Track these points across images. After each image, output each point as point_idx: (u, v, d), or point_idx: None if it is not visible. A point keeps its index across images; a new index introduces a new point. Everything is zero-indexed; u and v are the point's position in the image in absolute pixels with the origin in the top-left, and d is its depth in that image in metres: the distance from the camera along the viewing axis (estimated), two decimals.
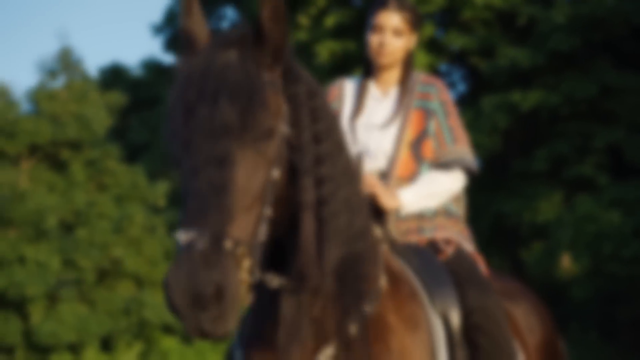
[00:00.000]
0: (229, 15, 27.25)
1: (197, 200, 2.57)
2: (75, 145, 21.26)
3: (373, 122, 3.79)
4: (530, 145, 19.87)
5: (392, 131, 3.76)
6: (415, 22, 3.84)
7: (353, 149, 3.60)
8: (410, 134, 3.76)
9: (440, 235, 3.71)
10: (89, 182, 21.40)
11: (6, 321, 19.07)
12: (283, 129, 2.77)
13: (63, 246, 19.58)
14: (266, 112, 2.69)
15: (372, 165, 3.72)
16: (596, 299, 19.70)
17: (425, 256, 3.52)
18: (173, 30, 26.77)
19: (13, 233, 19.88)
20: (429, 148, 3.77)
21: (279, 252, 2.86)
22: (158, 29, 27.52)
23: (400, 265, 3.38)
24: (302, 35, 20.56)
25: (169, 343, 20.33)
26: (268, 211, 2.70)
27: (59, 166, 21.45)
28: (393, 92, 3.86)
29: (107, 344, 20.03)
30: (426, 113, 3.79)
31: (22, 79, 65.10)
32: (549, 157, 18.99)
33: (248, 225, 2.63)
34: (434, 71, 20.17)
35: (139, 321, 19.64)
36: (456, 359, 3.30)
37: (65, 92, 21.54)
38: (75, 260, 19.45)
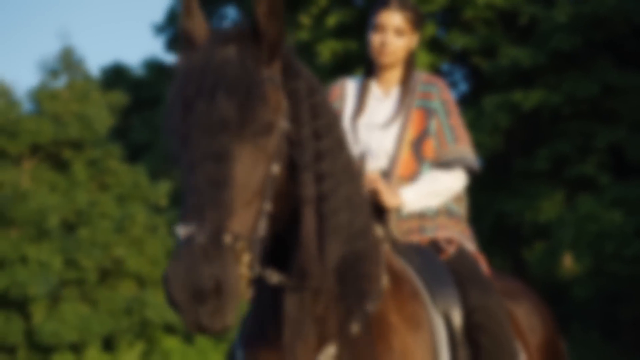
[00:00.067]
0: (231, 15, 27.24)
1: (196, 195, 2.57)
2: (77, 145, 21.27)
3: (374, 122, 3.79)
4: (532, 145, 19.87)
5: (394, 131, 3.76)
6: (417, 21, 3.84)
7: (354, 148, 3.60)
8: (411, 133, 3.76)
9: (441, 234, 3.71)
10: (90, 181, 21.40)
11: (8, 321, 19.08)
12: (283, 124, 2.77)
13: (65, 246, 19.59)
14: (265, 107, 2.70)
15: (374, 164, 3.72)
16: (598, 299, 19.70)
17: (427, 256, 3.52)
18: (175, 30, 26.76)
19: (15, 233, 19.89)
20: (430, 147, 3.77)
21: (280, 249, 2.87)
22: (160, 29, 27.52)
23: (401, 264, 3.38)
24: (303, 35, 20.56)
25: (171, 343, 20.34)
26: (268, 206, 2.70)
27: (60, 166, 21.46)
28: (395, 91, 3.86)
29: (109, 344, 20.03)
30: (427, 112, 3.79)
31: (24, 79, 65.17)
32: (551, 157, 18.98)
33: (248, 220, 2.63)
34: (436, 71, 20.16)
35: (140, 321, 19.64)
36: (458, 358, 3.30)
37: (67, 92, 21.55)
38: (77, 260, 19.46)
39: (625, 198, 17.45)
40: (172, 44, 27.37)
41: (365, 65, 3.95)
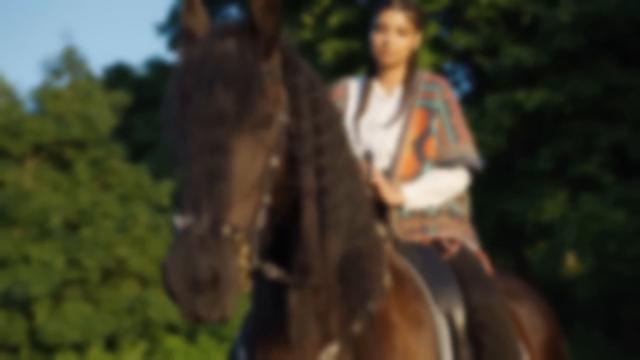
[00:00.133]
0: (233, 14, 27.27)
1: (195, 187, 2.58)
2: (79, 145, 21.29)
3: (376, 122, 3.79)
4: (535, 145, 19.86)
5: (395, 130, 3.76)
6: (420, 21, 3.84)
7: (356, 148, 3.60)
8: (413, 133, 3.76)
9: (444, 234, 3.71)
10: (93, 181, 21.42)
11: (11, 320, 19.11)
12: (282, 117, 2.78)
13: (67, 245, 19.61)
14: (264, 99, 2.70)
15: (376, 164, 3.72)
16: (600, 299, 19.70)
17: (429, 255, 3.52)
18: (177, 29, 26.77)
19: (17, 232, 19.91)
20: (432, 147, 3.77)
21: (282, 245, 2.87)
22: (162, 29, 27.53)
23: (404, 263, 3.38)
24: (306, 35, 20.56)
25: (174, 342, 20.36)
26: (267, 199, 2.70)
27: (63, 165, 21.48)
28: (397, 91, 3.86)
29: (111, 343, 20.05)
30: (429, 112, 3.79)
31: (27, 79, 65.23)
32: (553, 156, 18.98)
33: (246, 212, 2.63)
34: (438, 70, 20.16)
35: (143, 320, 19.66)
36: (460, 357, 3.30)
37: (69, 92, 21.58)
38: (79, 260, 19.48)
39: (628, 198, 17.45)
40: (175, 44, 27.35)
41: (368, 65, 3.95)
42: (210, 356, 20.19)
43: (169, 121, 2.73)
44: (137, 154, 24.92)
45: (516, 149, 20.59)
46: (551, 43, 18.62)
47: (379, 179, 3.54)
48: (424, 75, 3.89)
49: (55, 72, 21.90)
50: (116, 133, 23.35)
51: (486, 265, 3.74)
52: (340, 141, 3.00)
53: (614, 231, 16.71)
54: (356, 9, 20.63)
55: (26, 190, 20.00)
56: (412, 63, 3.87)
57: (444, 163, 3.77)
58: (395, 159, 3.72)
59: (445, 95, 3.83)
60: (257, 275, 2.84)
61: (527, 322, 3.95)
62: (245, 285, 2.59)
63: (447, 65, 22.26)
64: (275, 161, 2.73)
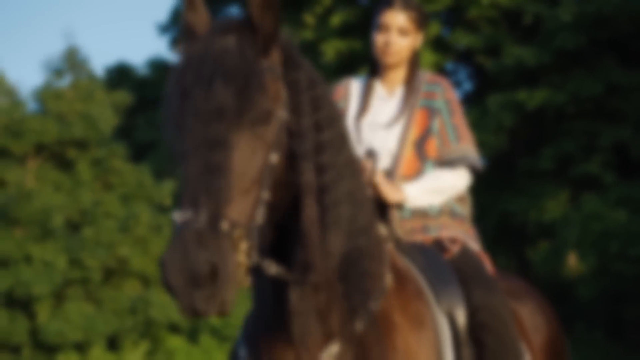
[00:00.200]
0: (234, 14, 27.26)
1: (194, 182, 2.58)
2: (81, 145, 21.30)
3: (378, 122, 3.80)
4: (536, 144, 19.86)
5: (397, 130, 3.76)
6: (421, 21, 3.84)
7: (358, 148, 3.60)
8: (414, 133, 3.76)
9: (445, 234, 3.71)
10: (95, 181, 21.44)
11: (13, 320, 19.12)
12: (282, 114, 2.78)
13: (69, 245, 19.62)
14: (263, 95, 2.70)
15: (378, 163, 3.72)
16: (602, 298, 19.70)
17: (431, 255, 3.52)
18: (179, 29, 26.78)
19: (19, 232, 19.92)
20: (433, 146, 3.77)
21: (283, 243, 2.87)
22: (164, 29, 27.55)
23: (405, 263, 3.38)
24: (308, 34, 20.56)
25: (175, 342, 20.36)
26: (266, 195, 2.70)
27: (65, 165, 21.49)
28: (399, 91, 3.86)
29: (113, 343, 20.07)
30: (430, 112, 3.79)
31: (29, 79, 65.26)
32: (555, 156, 18.98)
33: (245, 208, 2.63)
34: (440, 70, 20.16)
35: (145, 320, 19.67)
36: (462, 357, 3.30)
37: (71, 92, 21.59)
38: (81, 260, 19.49)
39: (629, 197, 17.45)
40: (177, 43, 27.38)
41: (369, 65, 3.95)
42: (211, 356, 20.19)
43: (169, 117, 2.74)
44: (139, 153, 24.93)
45: (518, 149, 20.59)
46: (553, 43, 18.63)
47: (379, 178, 3.55)
48: (426, 75, 3.89)
49: (57, 72, 21.92)
50: (118, 133, 23.37)
51: (488, 265, 3.74)
52: (341, 139, 3.00)
53: (616, 231, 16.71)
54: (358, 8, 20.63)
55: (28, 190, 20.01)
56: (414, 63, 3.87)
57: (445, 162, 3.77)
58: (396, 159, 3.73)
59: (447, 95, 3.83)
60: (258, 275, 2.85)
61: (529, 322, 3.95)
62: (245, 281, 2.59)
63: (449, 65, 22.26)
64: (274, 157, 2.73)
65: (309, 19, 20.77)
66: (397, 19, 3.78)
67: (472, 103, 20.36)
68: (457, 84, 22.56)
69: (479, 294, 3.44)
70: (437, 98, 3.82)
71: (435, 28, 19.78)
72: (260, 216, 2.67)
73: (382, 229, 3.40)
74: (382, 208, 3.55)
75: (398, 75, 3.87)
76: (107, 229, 19.91)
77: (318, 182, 2.86)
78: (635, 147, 18.39)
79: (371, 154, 3.58)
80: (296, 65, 2.87)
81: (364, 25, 19.25)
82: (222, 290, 2.49)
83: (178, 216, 2.55)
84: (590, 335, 19.65)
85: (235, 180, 2.61)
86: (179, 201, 2.63)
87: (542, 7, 19.14)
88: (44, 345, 19.26)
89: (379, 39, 3.81)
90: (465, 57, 21.86)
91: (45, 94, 21.38)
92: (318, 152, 2.86)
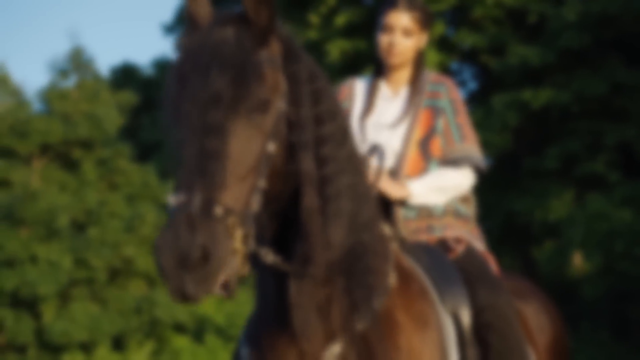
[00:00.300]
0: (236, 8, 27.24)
1: (189, 167, 2.60)
2: (86, 145, 21.34)
3: (383, 122, 3.80)
4: (541, 144, 19.83)
5: (401, 130, 3.77)
6: (426, 21, 3.85)
7: (362, 148, 3.61)
8: (418, 132, 3.77)
9: (450, 233, 3.71)
10: (100, 181, 21.47)
11: (18, 320, 19.16)
12: (281, 104, 2.79)
13: (75, 245, 19.66)
14: (261, 84, 2.72)
15: (383, 159, 3.72)
16: (607, 298, 19.67)
17: (435, 254, 3.53)
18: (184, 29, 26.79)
19: (25, 232, 19.96)
20: (437, 146, 3.78)
21: (284, 236, 2.88)
22: (169, 29, 27.58)
23: (410, 263, 3.38)
24: (312, 34, 20.55)
25: (181, 342, 20.38)
26: (263, 183, 2.70)
27: (70, 165, 21.53)
28: (403, 91, 3.87)
29: (118, 343, 20.09)
30: (435, 111, 3.80)
31: (34, 79, 65.36)
32: (560, 155, 18.94)
33: (240, 195, 2.64)
34: (445, 69, 20.15)
35: (150, 320, 19.70)
36: (467, 357, 3.30)
37: (76, 92, 21.63)
38: (86, 260, 19.53)
39: (635, 196, 17.42)
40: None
41: (374, 65, 3.96)
42: (217, 356, 20.21)
43: (166, 105, 2.76)
44: (144, 153, 24.96)
45: (522, 148, 20.56)
46: (557, 42, 18.59)
47: (382, 175, 3.55)
48: (430, 75, 3.90)
49: (63, 72, 21.96)
50: (123, 133, 23.40)
51: (492, 264, 3.74)
52: (343, 133, 3.01)
53: (621, 230, 16.68)
54: (362, 8, 20.62)
55: (33, 190, 20.05)
56: (419, 63, 3.88)
57: (449, 162, 3.78)
58: (401, 159, 3.73)
59: (451, 95, 3.84)
60: (261, 272, 2.86)
61: (534, 322, 3.95)
62: (243, 270, 2.59)
63: (454, 65, 22.23)
64: (272, 147, 2.74)
65: (314, 18, 20.76)
66: (401, 19, 3.79)
67: (477, 102, 20.34)
68: (461, 84, 22.53)
69: (483, 293, 3.44)
70: (442, 98, 3.82)
71: (439, 28, 19.75)
72: (256, 204, 2.68)
73: (386, 229, 3.40)
74: (386, 208, 3.56)
75: (403, 76, 3.88)
76: (113, 229, 19.94)
77: (319, 174, 2.86)
78: None
79: (375, 149, 3.59)
80: (296, 58, 2.89)
81: (368, 25, 19.25)
82: (212, 273, 2.50)
83: (172, 200, 2.57)
84: (596, 335, 19.63)
85: (230, 166, 2.62)
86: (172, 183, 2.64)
87: (546, 7, 19.10)
88: (49, 345, 19.30)
89: (383, 39, 3.82)
90: (469, 56, 21.83)
91: (51, 94, 21.43)
92: (319, 144, 2.87)
